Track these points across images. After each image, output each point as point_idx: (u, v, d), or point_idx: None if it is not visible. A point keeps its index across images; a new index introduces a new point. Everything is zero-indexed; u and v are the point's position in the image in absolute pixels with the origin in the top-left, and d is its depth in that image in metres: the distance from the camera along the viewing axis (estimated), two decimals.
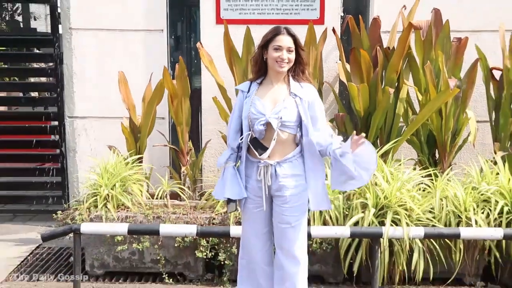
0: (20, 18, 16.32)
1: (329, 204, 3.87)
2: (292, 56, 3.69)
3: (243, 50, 5.47)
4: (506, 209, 4.79)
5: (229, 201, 3.84)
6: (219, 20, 5.95)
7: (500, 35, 5.69)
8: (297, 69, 3.78)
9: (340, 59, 5.86)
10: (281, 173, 3.75)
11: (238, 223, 4.75)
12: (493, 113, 5.81)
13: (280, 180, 3.75)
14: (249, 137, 3.75)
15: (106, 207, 5.08)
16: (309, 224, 4.65)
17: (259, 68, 3.82)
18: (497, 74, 5.77)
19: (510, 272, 5.00)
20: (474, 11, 6.17)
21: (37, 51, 7.88)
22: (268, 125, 3.69)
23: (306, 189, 3.82)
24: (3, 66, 9.28)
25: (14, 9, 16.52)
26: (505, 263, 4.97)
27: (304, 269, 3.93)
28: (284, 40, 3.65)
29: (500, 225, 4.78)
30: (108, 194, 5.12)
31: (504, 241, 4.79)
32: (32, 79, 8.98)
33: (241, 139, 3.81)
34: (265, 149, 3.69)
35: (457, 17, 5.91)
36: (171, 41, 6.57)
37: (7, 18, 16.70)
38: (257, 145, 3.73)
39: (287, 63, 3.69)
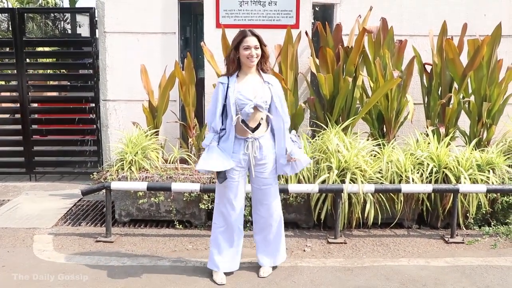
0: (69, 26, 16.12)
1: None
2: (259, 51, 3.52)
3: None
4: (434, 169, 4.76)
5: (219, 173, 3.52)
6: (218, 25, 5.73)
7: (429, 38, 5.69)
8: (262, 62, 3.59)
9: (311, 55, 5.69)
10: (264, 145, 3.60)
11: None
12: (426, 97, 5.73)
13: (263, 151, 3.60)
14: (239, 119, 3.51)
15: (131, 169, 4.88)
16: (286, 182, 4.62)
17: (236, 66, 3.57)
18: (428, 68, 5.72)
19: (437, 217, 4.91)
20: (411, 20, 6.11)
21: (80, 49, 7.57)
22: (254, 108, 3.49)
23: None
24: (55, 61, 9.12)
25: (64, 19, 16.33)
26: (433, 210, 4.89)
27: (281, 218, 3.86)
28: (251, 41, 3.48)
29: (430, 182, 4.70)
30: (132, 159, 4.93)
31: (433, 194, 4.77)
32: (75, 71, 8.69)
33: (234, 122, 3.50)
34: (253, 127, 3.54)
35: (399, 25, 5.90)
36: (181, 41, 6.31)
37: (59, 26, 16.48)
38: (245, 124, 3.51)
39: (256, 57, 3.51)
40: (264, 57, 3.57)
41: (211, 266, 3.81)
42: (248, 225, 4.65)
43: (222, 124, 3.59)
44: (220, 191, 3.69)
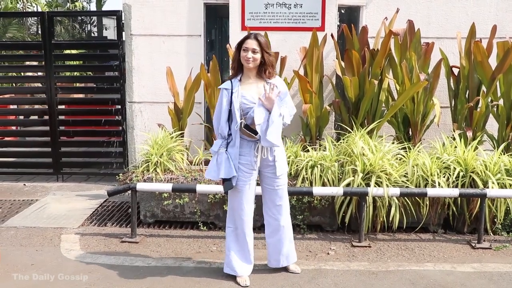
0: (95, 29, 16.39)
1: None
2: (257, 56, 3.50)
3: None
4: (461, 174, 4.70)
5: (224, 180, 3.55)
6: (243, 28, 5.77)
7: (457, 41, 5.62)
8: (262, 69, 3.56)
9: (336, 58, 5.68)
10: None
11: (257, 184, 4.45)
12: (453, 100, 5.67)
13: (274, 151, 3.61)
14: (243, 124, 3.51)
15: (156, 171, 4.94)
16: (311, 185, 4.64)
17: (237, 66, 3.60)
18: (455, 70, 5.67)
19: (463, 222, 4.85)
20: (438, 23, 6.06)
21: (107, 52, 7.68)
22: None
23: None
24: (82, 63, 9.31)
25: (91, 22, 16.62)
26: (460, 215, 4.84)
27: (290, 217, 3.91)
28: (250, 43, 3.50)
29: (456, 186, 4.65)
30: (157, 161, 4.99)
31: (459, 198, 4.72)
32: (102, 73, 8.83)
33: (236, 126, 3.51)
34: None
35: (426, 27, 5.90)
36: (207, 43, 6.37)
37: (86, 29, 16.79)
38: (249, 129, 3.50)
39: (252, 61, 3.50)
40: (265, 64, 3.54)
41: (228, 271, 3.82)
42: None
43: (229, 129, 3.58)
44: (233, 195, 3.70)
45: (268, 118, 3.43)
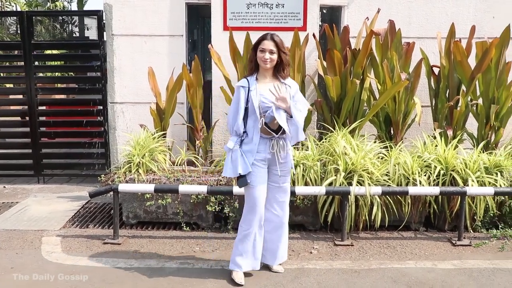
0: (77, 29, 16.23)
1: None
2: (274, 57, 3.56)
3: (244, 50, 5.33)
4: (442, 172, 4.78)
5: (240, 177, 3.59)
6: (225, 28, 5.76)
7: (437, 41, 5.69)
8: (279, 68, 3.63)
9: (318, 58, 5.71)
10: (286, 143, 3.69)
11: None
12: (433, 99, 5.74)
13: (287, 149, 3.69)
14: (263, 121, 3.55)
15: (138, 171, 4.92)
16: (294, 185, 4.63)
17: (253, 66, 3.66)
18: (436, 70, 5.74)
19: (444, 220, 4.93)
20: (419, 23, 6.13)
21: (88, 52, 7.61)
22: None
23: None
24: (63, 64, 9.22)
25: (73, 21, 16.46)
26: (441, 213, 4.92)
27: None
28: (267, 44, 3.54)
29: (437, 185, 4.72)
30: (139, 162, 4.98)
31: (440, 196, 4.79)
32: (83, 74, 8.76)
33: (259, 124, 3.54)
34: (275, 129, 3.56)
35: (407, 27, 5.95)
36: (189, 44, 6.35)
37: (67, 29, 16.61)
38: (267, 126, 3.55)
39: (270, 62, 3.56)
40: (283, 63, 3.60)
41: (232, 267, 3.84)
42: None
43: (244, 127, 3.62)
44: (249, 193, 3.70)
45: (291, 120, 3.55)
